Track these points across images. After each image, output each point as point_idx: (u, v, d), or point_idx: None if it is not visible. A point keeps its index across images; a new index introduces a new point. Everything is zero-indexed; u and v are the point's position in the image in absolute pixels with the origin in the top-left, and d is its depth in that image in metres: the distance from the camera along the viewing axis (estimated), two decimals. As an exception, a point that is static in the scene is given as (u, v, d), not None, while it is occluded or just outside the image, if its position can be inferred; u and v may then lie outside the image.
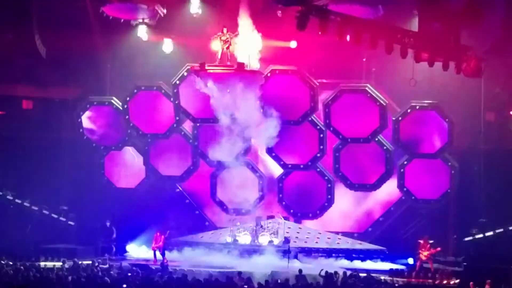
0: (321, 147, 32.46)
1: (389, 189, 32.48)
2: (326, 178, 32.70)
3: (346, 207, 33.10)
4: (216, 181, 33.47)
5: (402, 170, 31.97)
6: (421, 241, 29.14)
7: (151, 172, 33.71)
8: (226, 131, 31.92)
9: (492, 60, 27.74)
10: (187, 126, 33.70)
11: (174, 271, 27.99)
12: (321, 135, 32.42)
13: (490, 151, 31.21)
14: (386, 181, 32.22)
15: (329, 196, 32.76)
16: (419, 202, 31.97)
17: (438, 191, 31.62)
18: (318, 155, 32.54)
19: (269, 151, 32.95)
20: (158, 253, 30.36)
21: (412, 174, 31.91)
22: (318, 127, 32.40)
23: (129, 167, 34.08)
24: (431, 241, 29.02)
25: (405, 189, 32.01)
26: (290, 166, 32.93)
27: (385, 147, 32.02)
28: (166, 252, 30.41)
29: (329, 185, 32.69)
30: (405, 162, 31.92)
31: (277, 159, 32.99)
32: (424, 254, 29.05)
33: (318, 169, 32.73)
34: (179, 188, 34.26)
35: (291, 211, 33.21)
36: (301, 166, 32.80)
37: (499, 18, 28.68)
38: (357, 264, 30.81)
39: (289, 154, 32.90)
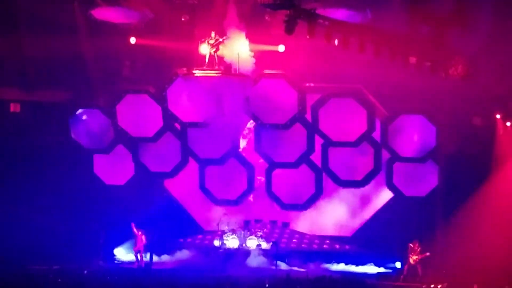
0: (310, 144, 32.44)
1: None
2: (315, 169, 32.68)
3: (344, 217, 33.15)
4: (205, 171, 33.37)
5: (390, 167, 32.05)
6: (411, 245, 29.22)
7: (140, 169, 33.62)
8: (215, 132, 32.07)
9: (479, 63, 27.87)
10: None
11: (161, 274, 27.98)
12: (310, 133, 32.40)
13: (477, 155, 31.29)
14: (374, 178, 32.17)
15: (318, 187, 32.64)
16: (407, 200, 32.05)
17: (426, 188, 31.72)
18: (307, 152, 32.54)
19: (258, 149, 32.94)
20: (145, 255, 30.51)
21: (400, 171, 31.97)
22: (307, 125, 32.38)
23: (118, 163, 33.92)
24: (421, 246, 29.15)
25: (393, 186, 32.09)
26: (278, 164, 32.89)
27: (374, 144, 32.04)
28: (154, 256, 30.45)
29: (318, 176, 32.63)
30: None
31: (265, 157, 32.99)
32: (413, 258, 29.14)
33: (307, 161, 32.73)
34: (167, 191, 34.27)
35: (280, 202, 33.19)
36: (290, 164, 32.64)
37: (486, 21, 28.78)
38: (345, 267, 30.88)
39: (278, 152, 32.81)
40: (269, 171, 32.91)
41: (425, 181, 31.57)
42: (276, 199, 33.05)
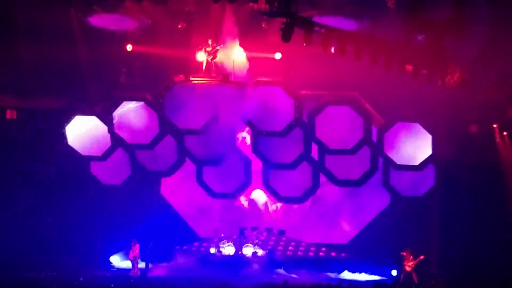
0: (307, 146, 32.43)
1: None
2: (312, 163, 32.67)
3: (340, 225, 33.18)
4: (202, 166, 33.34)
5: (386, 167, 32.04)
6: (404, 253, 29.22)
7: (137, 168, 33.56)
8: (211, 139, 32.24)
9: (476, 71, 27.92)
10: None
11: (157, 282, 27.94)
12: (307, 136, 32.40)
13: (473, 163, 31.31)
14: (370, 177, 32.19)
15: (315, 181, 32.65)
16: (403, 207, 32.02)
17: (423, 189, 31.73)
18: (304, 153, 32.53)
19: (254, 150, 32.92)
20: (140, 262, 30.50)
21: (397, 172, 31.94)
22: (304, 127, 32.40)
23: (115, 163, 33.82)
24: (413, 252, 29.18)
25: (389, 187, 32.09)
26: (275, 165, 32.85)
27: (370, 144, 32.02)
28: (150, 263, 30.43)
29: (315, 170, 32.58)
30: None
31: (261, 157, 32.97)
32: (408, 265, 29.14)
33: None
34: (164, 199, 34.26)
35: (277, 196, 33.19)
36: (287, 165, 32.66)
37: (483, 29, 28.84)
38: (341, 275, 30.86)
39: (275, 152, 32.83)
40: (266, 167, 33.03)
41: (421, 182, 31.65)
42: (273, 192, 33.05)
